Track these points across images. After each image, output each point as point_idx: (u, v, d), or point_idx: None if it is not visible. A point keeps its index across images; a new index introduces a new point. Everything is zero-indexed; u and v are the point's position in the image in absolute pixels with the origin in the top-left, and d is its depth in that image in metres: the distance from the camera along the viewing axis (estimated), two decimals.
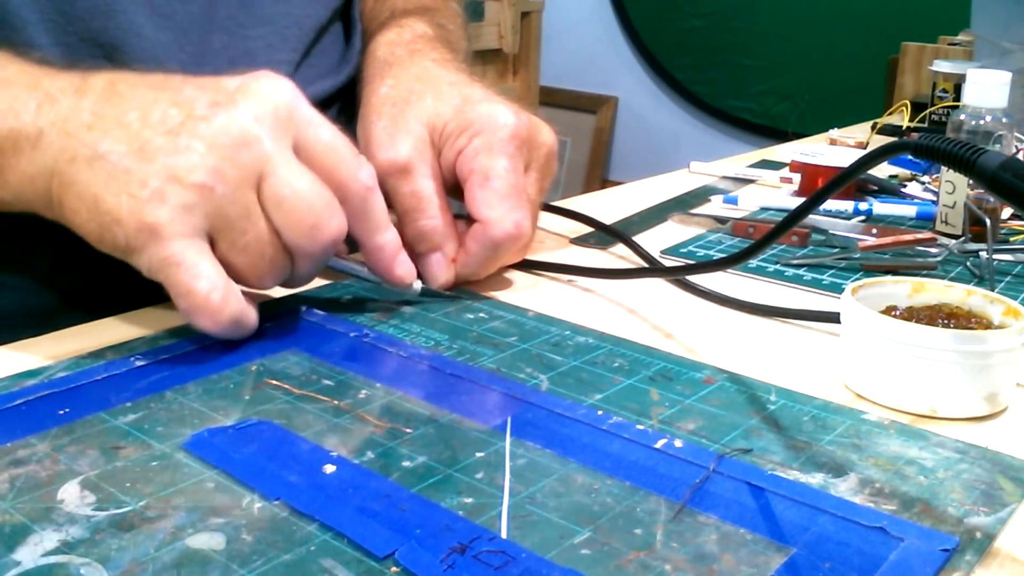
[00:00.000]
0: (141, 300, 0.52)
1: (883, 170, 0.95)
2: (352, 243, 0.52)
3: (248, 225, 0.45)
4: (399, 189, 0.57)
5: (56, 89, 0.46)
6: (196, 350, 0.47)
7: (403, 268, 0.53)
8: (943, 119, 1.19)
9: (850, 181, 0.45)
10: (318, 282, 0.58)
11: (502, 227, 0.56)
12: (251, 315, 0.47)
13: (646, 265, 0.64)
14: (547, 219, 0.75)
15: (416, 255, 0.58)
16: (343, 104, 0.74)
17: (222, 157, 0.44)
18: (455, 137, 0.57)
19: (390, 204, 0.57)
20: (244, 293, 0.47)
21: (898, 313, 0.48)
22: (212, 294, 0.44)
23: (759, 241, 0.48)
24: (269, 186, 0.45)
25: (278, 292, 0.56)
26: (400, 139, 0.57)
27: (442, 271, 0.57)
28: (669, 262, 0.67)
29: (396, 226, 0.58)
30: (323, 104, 0.70)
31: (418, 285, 0.55)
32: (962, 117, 0.75)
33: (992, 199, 0.69)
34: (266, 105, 0.46)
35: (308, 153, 0.47)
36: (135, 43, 0.57)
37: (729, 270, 0.65)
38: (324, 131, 0.48)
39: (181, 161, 0.44)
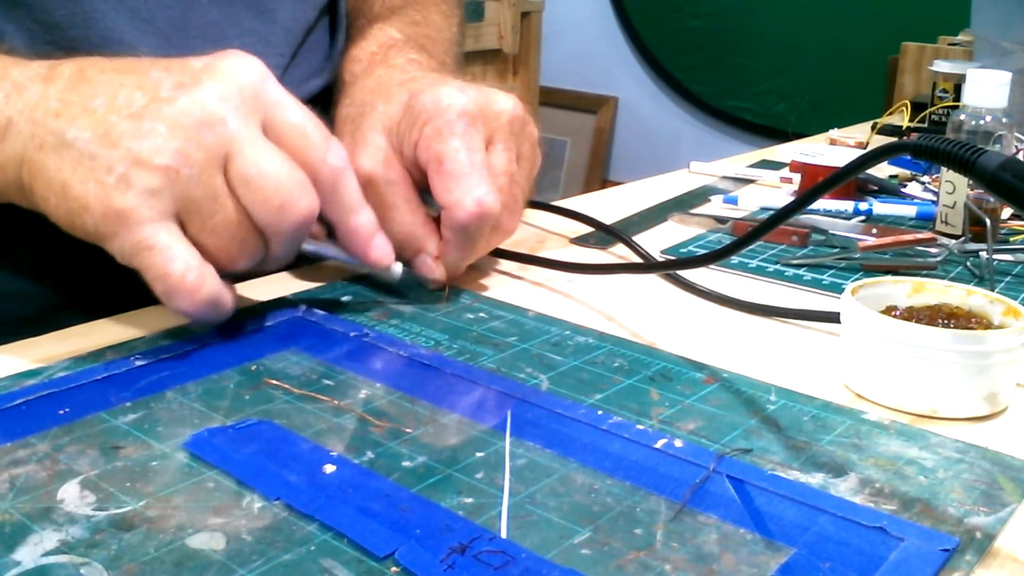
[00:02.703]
0: (124, 303, 0.52)
1: (883, 170, 0.95)
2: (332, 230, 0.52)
3: (216, 206, 0.45)
4: (368, 201, 0.56)
5: (24, 77, 0.46)
6: (196, 350, 0.47)
7: (379, 250, 0.52)
8: (943, 119, 1.19)
9: (846, 181, 0.45)
10: (318, 282, 0.58)
11: (463, 208, 0.54)
12: (228, 296, 0.47)
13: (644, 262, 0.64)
14: (547, 219, 0.75)
15: (409, 260, 0.58)
16: (331, 99, 0.73)
17: (186, 139, 0.44)
18: (408, 133, 0.56)
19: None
20: (220, 276, 0.47)
21: (898, 313, 0.48)
22: (187, 274, 0.44)
23: (751, 232, 0.48)
24: (236, 166, 0.45)
25: (276, 293, 0.56)
26: (359, 154, 0.57)
27: (431, 270, 0.57)
28: None
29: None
30: (312, 102, 0.70)
31: (397, 268, 0.54)
32: (962, 117, 0.75)
33: (992, 199, 0.69)
34: (231, 85, 0.45)
35: (277, 133, 0.46)
36: (115, 50, 0.56)
37: (730, 271, 0.65)
38: (293, 112, 0.47)
39: (145, 145, 0.43)
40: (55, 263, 0.57)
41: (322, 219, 0.50)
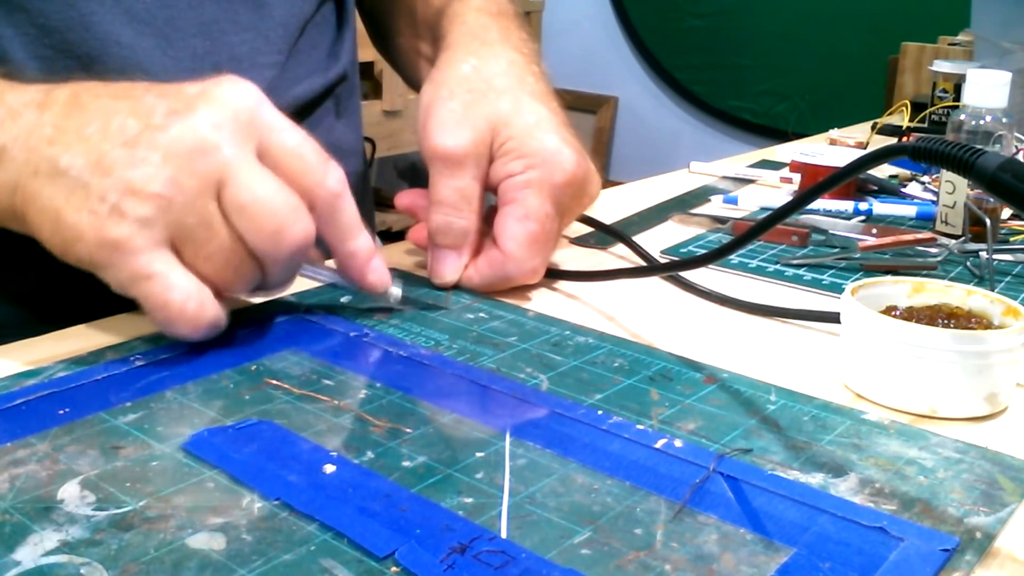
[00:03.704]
0: (120, 312, 0.52)
1: (883, 170, 0.95)
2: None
3: (210, 234, 0.44)
4: (443, 178, 0.56)
5: (20, 103, 0.46)
6: (196, 350, 0.47)
7: (376, 275, 0.51)
8: (943, 119, 1.19)
9: (843, 182, 0.45)
10: (318, 283, 0.58)
11: (520, 267, 0.56)
12: (224, 315, 0.47)
13: (643, 264, 0.64)
14: None
15: (432, 245, 0.58)
16: (337, 100, 0.73)
17: (178, 167, 0.43)
18: (511, 158, 0.56)
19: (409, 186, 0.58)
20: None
21: (898, 313, 0.48)
22: (188, 303, 0.44)
23: (748, 231, 0.48)
24: (229, 193, 0.44)
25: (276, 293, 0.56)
26: (463, 130, 0.56)
27: (451, 271, 0.57)
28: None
29: (424, 212, 0.58)
30: (311, 104, 0.70)
31: (396, 292, 0.53)
32: (962, 117, 0.75)
33: (992, 199, 0.69)
34: (225, 111, 0.45)
35: (273, 159, 0.46)
36: (114, 52, 0.57)
37: (730, 271, 0.65)
38: (289, 136, 0.47)
39: (137, 173, 0.43)
40: (45, 267, 0.57)
41: (320, 244, 0.50)
